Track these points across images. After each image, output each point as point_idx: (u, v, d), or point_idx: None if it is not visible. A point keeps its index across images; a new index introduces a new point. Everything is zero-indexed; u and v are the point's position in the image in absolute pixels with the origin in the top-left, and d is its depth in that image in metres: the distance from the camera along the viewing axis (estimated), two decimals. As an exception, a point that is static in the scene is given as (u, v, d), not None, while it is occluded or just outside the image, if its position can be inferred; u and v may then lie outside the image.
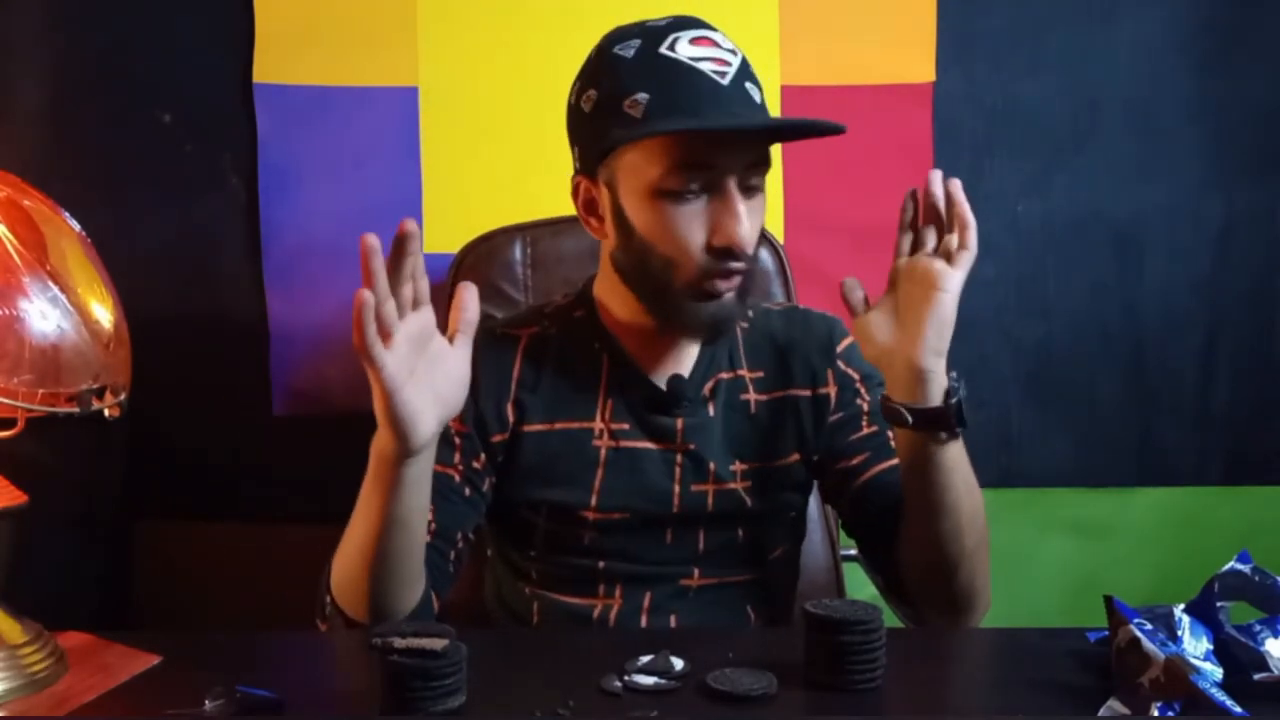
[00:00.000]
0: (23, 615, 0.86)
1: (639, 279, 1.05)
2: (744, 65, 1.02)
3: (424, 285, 0.90)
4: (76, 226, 0.91)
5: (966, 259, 1.00)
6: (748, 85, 1.01)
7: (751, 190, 1.02)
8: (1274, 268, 1.73)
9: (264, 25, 1.67)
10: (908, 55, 1.70)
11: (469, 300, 0.93)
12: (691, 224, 1.00)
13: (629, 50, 1.01)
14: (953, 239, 1.00)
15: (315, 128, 1.68)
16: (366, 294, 0.86)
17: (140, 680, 0.84)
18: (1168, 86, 1.71)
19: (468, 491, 1.08)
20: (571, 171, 1.10)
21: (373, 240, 0.86)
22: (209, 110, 1.68)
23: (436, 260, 1.66)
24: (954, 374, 1.00)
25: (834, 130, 1.02)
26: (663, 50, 0.99)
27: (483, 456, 1.09)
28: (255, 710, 0.76)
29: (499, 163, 1.70)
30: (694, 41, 1.00)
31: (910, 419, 0.99)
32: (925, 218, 1.03)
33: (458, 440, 1.08)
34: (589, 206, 1.08)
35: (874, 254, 1.71)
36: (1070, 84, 1.71)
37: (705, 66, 0.98)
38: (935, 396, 0.98)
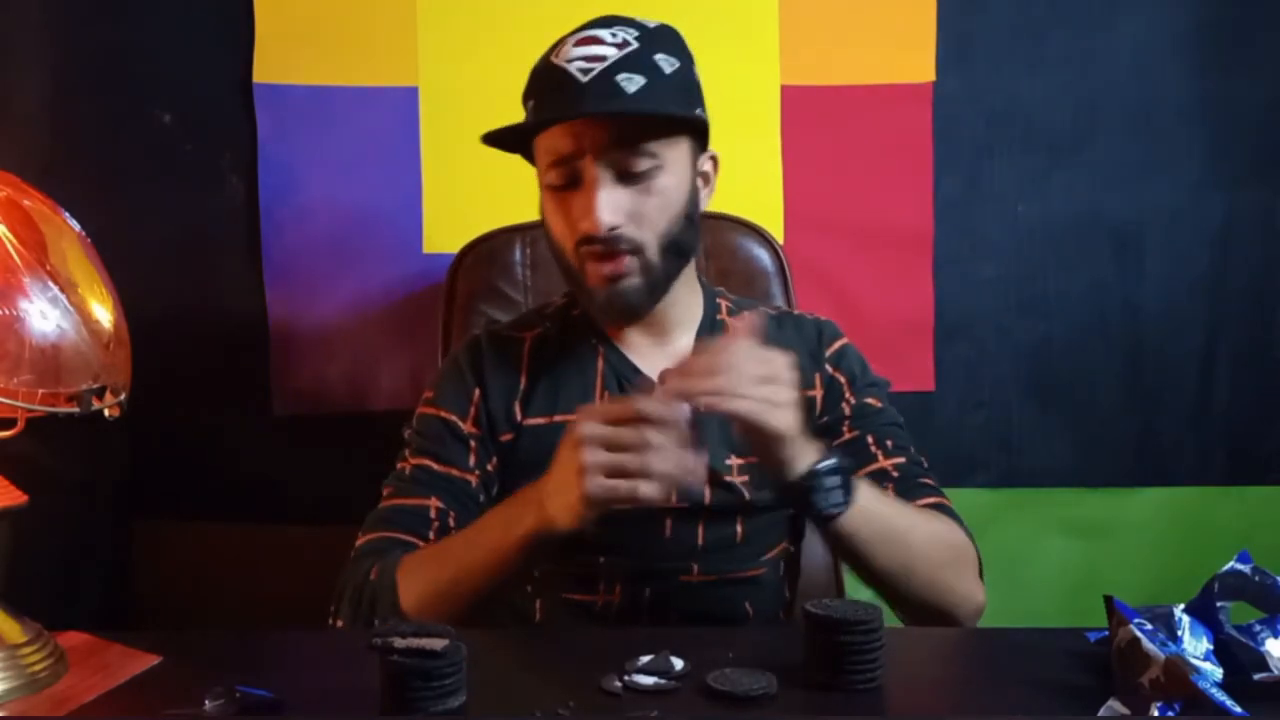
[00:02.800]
0: (23, 615, 0.86)
1: (558, 268, 1.13)
2: (630, 56, 1.04)
3: None
4: (76, 226, 0.91)
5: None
6: (620, 76, 1.03)
7: (630, 177, 1.05)
8: (1274, 268, 1.73)
9: (264, 25, 1.67)
10: (908, 55, 1.70)
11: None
12: (565, 214, 1.07)
13: (540, 62, 1.10)
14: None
15: (315, 128, 1.68)
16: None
17: (140, 680, 0.84)
18: (1168, 86, 1.71)
19: (483, 498, 1.11)
20: None
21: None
22: (209, 110, 1.69)
23: (436, 260, 1.66)
24: (828, 456, 0.96)
25: (685, 121, 1.06)
26: (550, 56, 1.08)
27: (495, 460, 1.12)
28: (255, 710, 0.76)
29: (499, 163, 1.69)
30: (578, 42, 1.06)
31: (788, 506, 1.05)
32: None
33: (473, 444, 1.10)
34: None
35: (874, 254, 1.72)
36: (1070, 84, 1.71)
37: (574, 65, 1.04)
38: (788, 480, 0.95)
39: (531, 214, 1.52)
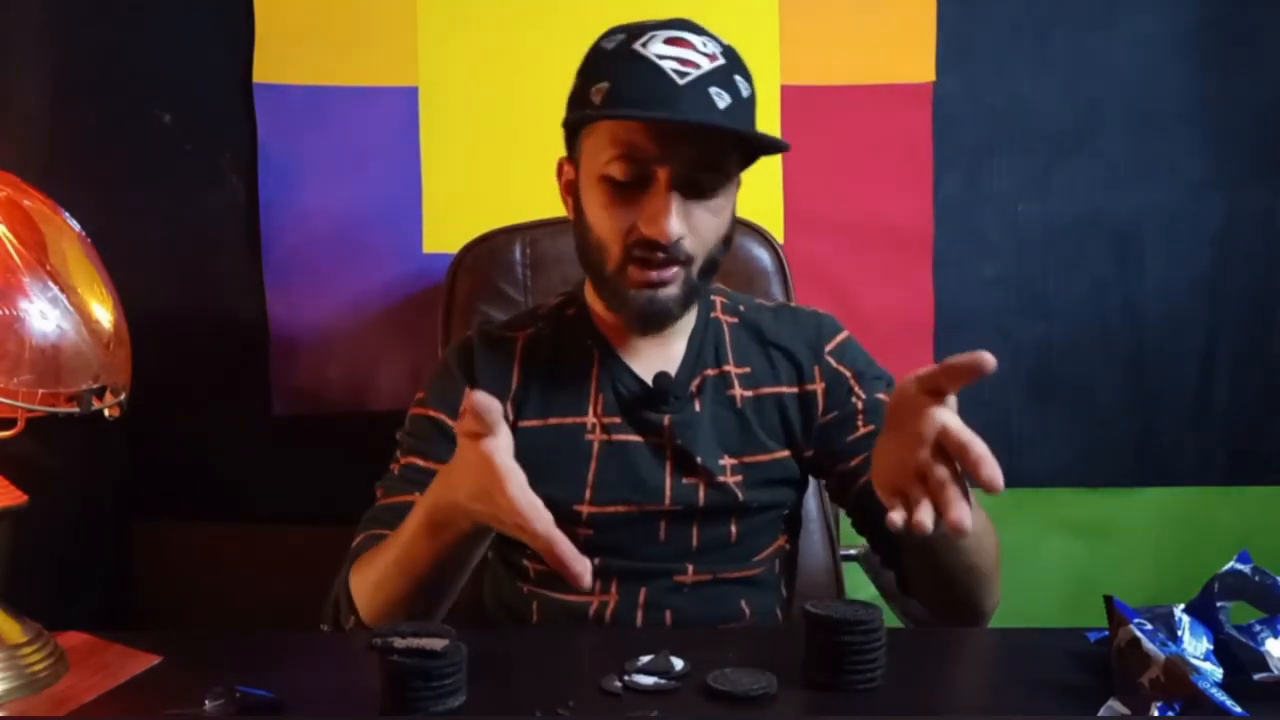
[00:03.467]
0: (23, 615, 0.86)
1: (584, 260, 1.10)
2: (719, 71, 1.02)
3: None
4: (76, 226, 0.91)
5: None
6: (713, 90, 1.01)
7: (700, 191, 1.04)
8: (1274, 268, 1.73)
9: (264, 25, 1.67)
10: (908, 55, 1.70)
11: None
12: (625, 211, 1.04)
13: (611, 43, 1.05)
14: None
15: (315, 128, 1.68)
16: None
17: (140, 680, 0.84)
18: (1168, 86, 1.71)
19: None
20: None
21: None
22: (209, 110, 1.69)
23: (436, 260, 1.66)
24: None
25: (774, 145, 1.04)
26: (635, 46, 1.02)
27: None
28: (255, 710, 0.76)
29: (499, 163, 1.70)
30: (669, 42, 1.02)
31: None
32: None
33: None
34: (568, 187, 1.13)
35: (874, 254, 1.72)
36: (1070, 84, 1.71)
37: (668, 65, 1.01)
38: None
39: (531, 214, 1.53)
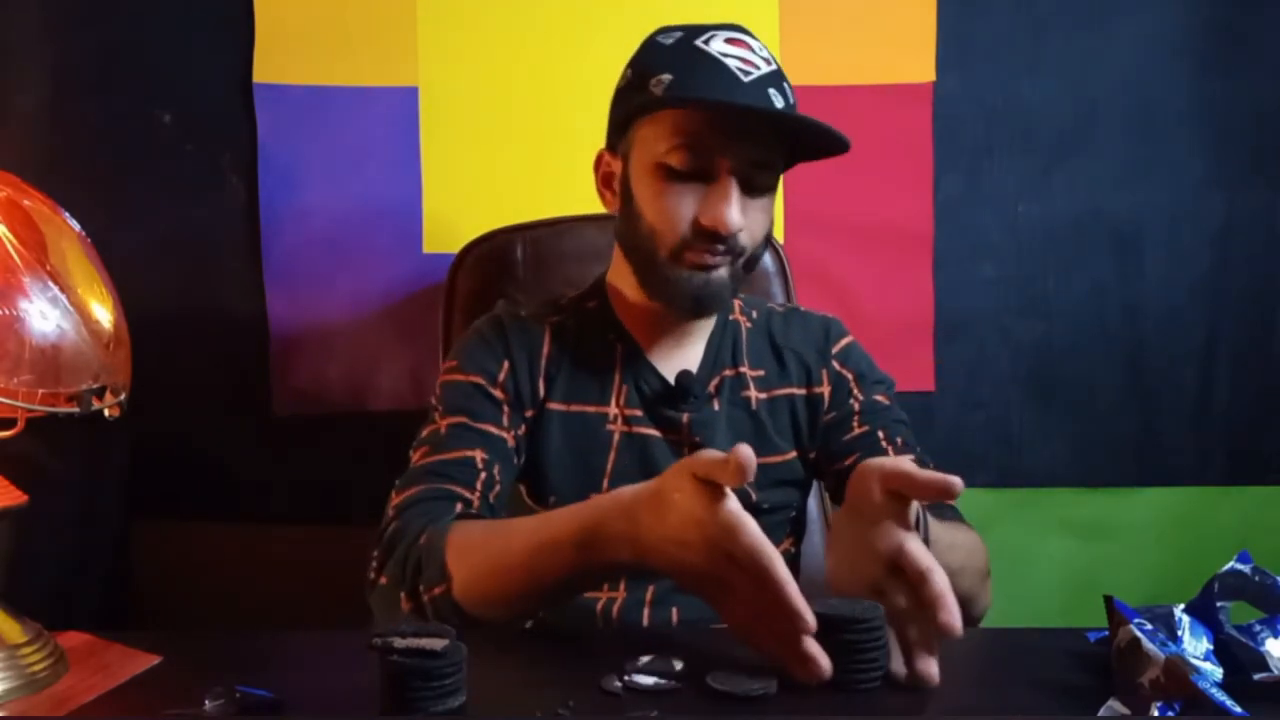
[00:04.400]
0: (23, 615, 0.86)
1: (631, 247, 1.09)
2: (774, 75, 1.05)
3: None
4: (76, 226, 0.91)
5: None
6: (771, 90, 1.04)
7: (757, 189, 1.05)
8: (1274, 268, 1.73)
9: (264, 25, 1.67)
10: (908, 55, 1.70)
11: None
12: (683, 200, 1.04)
13: (669, 39, 1.07)
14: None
15: (315, 128, 1.68)
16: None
17: (140, 680, 0.84)
18: (1168, 86, 1.71)
19: (516, 460, 1.10)
20: (579, 169, 1.15)
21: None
22: (209, 110, 1.69)
23: (436, 260, 1.66)
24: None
25: (839, 143, 1.05)
26: (697, 43, 1.04)
27: (522, 428, 1.11)
28: (255, 710, 0.76)
29: (499, 163, 1.70)
30: (729, 41, 1.05)
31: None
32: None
33: (505, 407, 1.10)
34: (606, 180, 1.13)
35: (874, 254, 1.72)
36: (1070, 84, 1.71)
37: (731, 63, 1.02)
38: None
39: (531, 214, 1.53)
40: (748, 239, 1.06)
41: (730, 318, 1.18)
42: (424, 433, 1.08)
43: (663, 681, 0.80)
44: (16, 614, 0.86)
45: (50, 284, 0.83)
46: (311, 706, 0.78)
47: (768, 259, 1.47)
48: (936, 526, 0.94)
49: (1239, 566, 0.81)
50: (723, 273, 1.06)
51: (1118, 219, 1.72)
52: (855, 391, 1.16)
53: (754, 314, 1.21)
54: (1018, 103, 1.71)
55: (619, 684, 0.79)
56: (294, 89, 1.68)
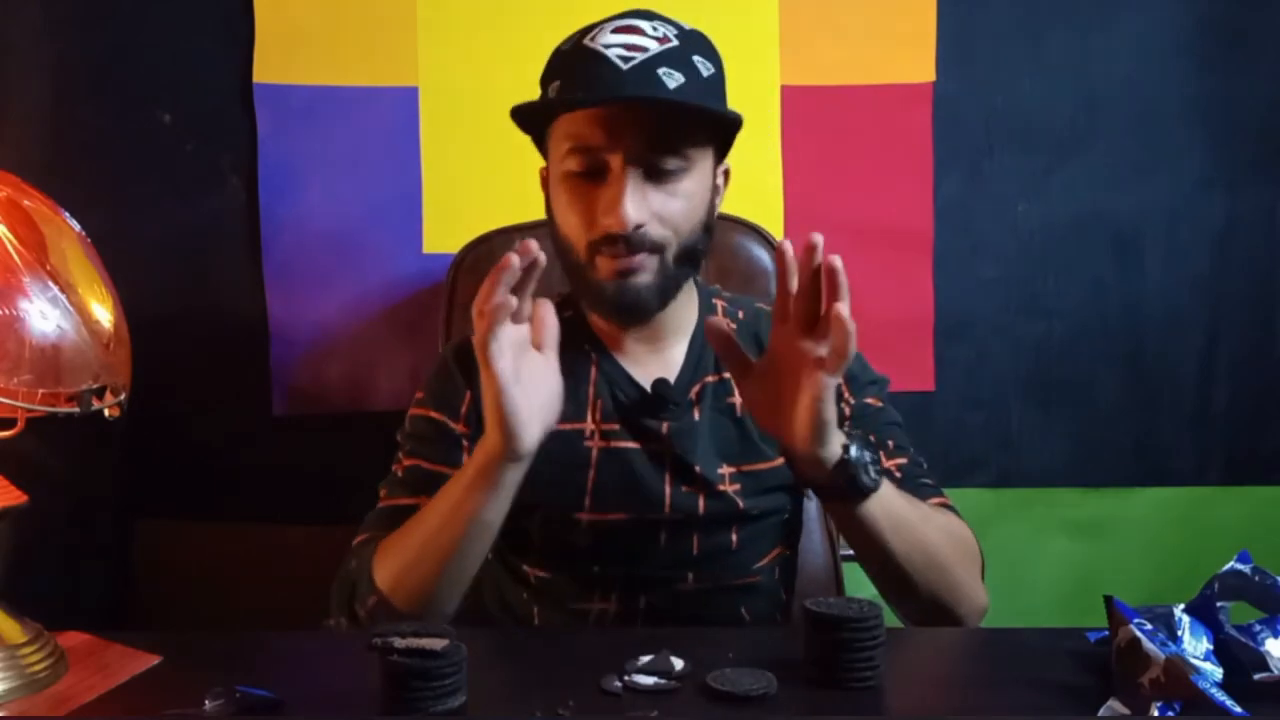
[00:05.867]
0: (23, 615, 0.86)
1: (559, 260, 1.09)
2: (669, 52, 1.01)
3: (528, 304, 0.93)
4: (76, 226, 0.91)
5: (840, 365, 0.91)
6: (662, 70, 1.00)
7: (660, 175, 1.02)
8: (1274, 268, 1.73)
9: (264, 25, 1.67)
10: (908, 55, 1.70)
11: (549, 316, 0.95)
12: (584, 205, 1.04)
13: (567, 44, 1.06)
14: (823, 346, 0.92)
15: (315, 128, 1.68)
16: (504, 292, 0.89)
17: (140, 680, 0.84)
18: (1168, 86, 1.71)
19: None
20: None
21: (513, 258, 0.89)
22: (209, 110, 1.68)
23: (436, 260, 1.66)
24: (852, 437, 0.95)
25: (718, 117, 1.04)
26: (584, 40, 1.03)
27: None
28: (255, 710, 0.76)
29: (499, 163, 1.70)
30: (616, 30, 1.03)
31: (810, 493, 1.03)
32: (802, 289, 0.93)
33: (465, 443, 1.09)
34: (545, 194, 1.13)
35: (874, 254, 1.72)
36: (1070, 84, 1.71)
37: (613, 52, 1.01)
38: (825, 467, 0.94)
39: (531, 214, 1.53)
40: (662, 232, 1.03)
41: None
42: (392, 467, 1.12)
43: (663, 681, 0.80)
44: (16, 614, 0.86)
45: (50, 284, 0.83)
46: (311, 706, 0.78)
47: (767, 259, 1.47)
48: (911, 499, 1.00)
49: (1239, 566, 0.81)
50: (644, 277, 1.03)
51: (1118, 219, 1.72)
52: (846, 394, 1.14)
53: (740, 314, 1.18)
54: (1018, 103, 1.71)
55: (619, 684, 0.79)
56: (294, 89, 1.68)
